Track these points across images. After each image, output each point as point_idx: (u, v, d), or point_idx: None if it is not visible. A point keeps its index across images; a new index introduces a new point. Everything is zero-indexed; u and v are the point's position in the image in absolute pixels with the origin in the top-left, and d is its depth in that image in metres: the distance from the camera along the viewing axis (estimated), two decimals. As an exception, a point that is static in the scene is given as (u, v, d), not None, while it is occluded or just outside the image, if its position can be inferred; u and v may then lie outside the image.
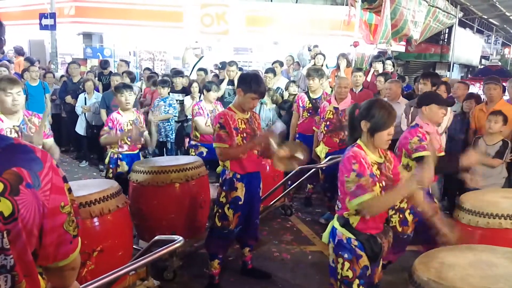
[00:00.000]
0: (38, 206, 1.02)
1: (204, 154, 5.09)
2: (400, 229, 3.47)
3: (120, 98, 4.29)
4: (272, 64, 7.86)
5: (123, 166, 4.31)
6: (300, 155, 3.32)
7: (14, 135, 3.17)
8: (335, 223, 2.45)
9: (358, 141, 2.40)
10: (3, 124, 3.17)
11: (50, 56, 10.99)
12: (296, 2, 12.48)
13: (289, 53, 9.36)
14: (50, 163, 1.07)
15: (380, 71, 7.42)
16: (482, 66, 20.39)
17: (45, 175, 1.04)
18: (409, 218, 3.50)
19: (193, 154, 5.24)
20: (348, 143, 2.51)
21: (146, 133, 4.52)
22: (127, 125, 4.29)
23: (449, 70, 16.62)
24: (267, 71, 7.04)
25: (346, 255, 2.36)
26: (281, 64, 8.24)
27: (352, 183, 2.24)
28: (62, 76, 9.16)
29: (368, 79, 7.08)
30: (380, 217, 2.42)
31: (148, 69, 8.80)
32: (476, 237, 2.99)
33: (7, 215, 0.96)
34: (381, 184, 2.32)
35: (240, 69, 7.83)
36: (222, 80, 7.01)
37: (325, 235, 2.55)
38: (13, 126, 3.22)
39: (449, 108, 4.87)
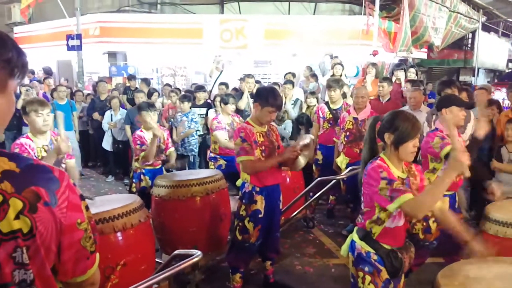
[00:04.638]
0: (55, 223, 1.07)
1: (223, 167, 5.14)
2: (422, 237, 3.42)
3: (144, 118, 4.41)
4: (285, 76, 7.97)
5: (147, 181, 4.42)
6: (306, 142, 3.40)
7: (44, 154, 3.33)
8: (354, 236, 2.41)
9: (381, 155, 2.34)
10: (33, 143, 3.32)
11: (77, 75, 11.32)
12: (314, 14, 12.53)
13: (307, 64, 9.37)
14: (67, 182, 1.12)
15: (402, 79, 7.36)
16: (509, 70, 19.92)
17: (62, 193, 1.09)
18: (433, 226, 3.44)
19: (212, 167, 5.30)
20: (364, 156, 2.45)
21: (172, 149, 4.66)
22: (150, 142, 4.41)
23: (473, 76, 16.30)
24: (285, 83, 7.10)
25: (366, 268, 2.30)
26: (293, 75, 8.38)
27: (385, 189, 2.16)
28: (88, 94, 9.45)
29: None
30: (401, 233, 2.35)
31: (168, 85, 8.98)
32: (504, 248, 2.90)
33: (26, 231, 1.02)
34: None
35: (258, 81, 7.91)
36: (242, 93, 7.11)
37: (344, 248, 2.50)
38: (42, 145, 3.37)
39: (472, 115, 4.81)
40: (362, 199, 2.37)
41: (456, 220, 2.43)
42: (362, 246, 2.33)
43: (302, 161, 3.51)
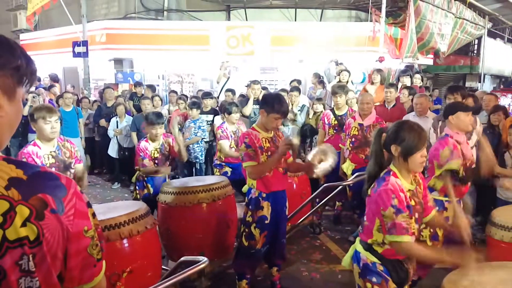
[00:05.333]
0: (62, 231, 1.06)
1: (229, 174, 5.14)
2: (430, 244, 3.40)
3: (151, 131, 4.43)
4: (290, 83, 7.99)
5: (149, 189, 4.42)
6: (330, 158, 3.45)
7: (51, 160, 3.35)
8: (357, 246, 2.38)
9: (392, 167, 2.29)
10: (40, 150, 3.34)
11: (83, 82, 11.39)
12: (320, 20, 12.56)
13: (314, 71, 9.40)
14: (74, 189, 1.11)
15: (408, 85, 7.33)
16: (515, 76, 19.88)
17: (69, 201, 1.09)
18: (440, 232, 3.42)
19: (218, 173, 5.30)
20: (370, 169, 2.39)
21: (180, 146, 4.57)
22: (154, 153, 4.44)
23: (479, 82, 16.24)
24: (292, 90, 7.11)
25: (374, 279, 2.27)
26: (299, 82, 8.41)
27: (389, 218, 2.14)
28: (95, 101, 9.50)
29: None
30: None
31: (174, 91, 9.01)
32: (510, 253, 2.90)
33: (32, 239, 1.01)
34: (415, 216, 2.25)
35: (265, 88, 7.93)
36: (248, 99, 7.12)
37: (346, 259, 2.48)
38: (50, 152, 3.39)
39: (478, 121, 4.80)
40: (366, 210, 2.35)
41: (444, 221, 2.61)
42: (368, 257, 2.31)
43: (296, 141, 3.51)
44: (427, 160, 3.47)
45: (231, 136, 5.19)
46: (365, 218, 2.35)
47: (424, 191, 2.41)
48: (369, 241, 2.31)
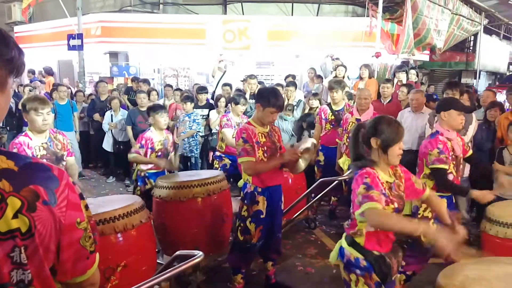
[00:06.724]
0: (55, 222, 1.05)
1: (228, 166, 5.13)
2: (424, 239, 3.40)
3: (159, 119, 4.38)
4: (285, 79, 7.98)
5: (151, 184, 4.38)
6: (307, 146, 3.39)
7: (42, 152, 3.33)
8: (342, 242, 2.43)
9: None
10: (32, 141, 3.32)
11: (78, 75, 11.31)
12: (317, 15, 12.52)
13: (310, 66, 9.38)
14: (66, 180, 1.10)
15: (404, 81, 7.35)
16: (510, 73, 19.93)
17: (61, 192, 1.07)
18: (433, 227, 3.42)
19: (217, 165, 5.28)
20: (352, 164, 2.44)
21: (171, 154, 4.60)
22: (158, 145, 4.39)
23: (475, 78, 16.28)
24: (288, 85, 7.09)
25: (358, 271, 2.33)
26: (294, 77, 8.44)
27: (360, 194, 2.21)
28: (90, 94, 9.44)
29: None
30: (388, 237, 2.37)
31: (169, 85, 8.97)
32: (504, 249, 2.92)
33: (24, 231, 1.00)
34: (393, 206, 2.28)
35: (261, 82, 7.90)
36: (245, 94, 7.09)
37: (333, 254, 2.51)
38: (41, 143, 3.38)
39: (474, 117, 4.81)
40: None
41: (441, 204, 2.62)
42: (351, 252, 2.35)
43: (302, 164, 3.52)
44: (418, 156, 3.48)
45: (235, 127, 5.16)
46: (352, 215, 2.38)
47: (407, 182, 2.45)
48: (351, 232, 2.35)
